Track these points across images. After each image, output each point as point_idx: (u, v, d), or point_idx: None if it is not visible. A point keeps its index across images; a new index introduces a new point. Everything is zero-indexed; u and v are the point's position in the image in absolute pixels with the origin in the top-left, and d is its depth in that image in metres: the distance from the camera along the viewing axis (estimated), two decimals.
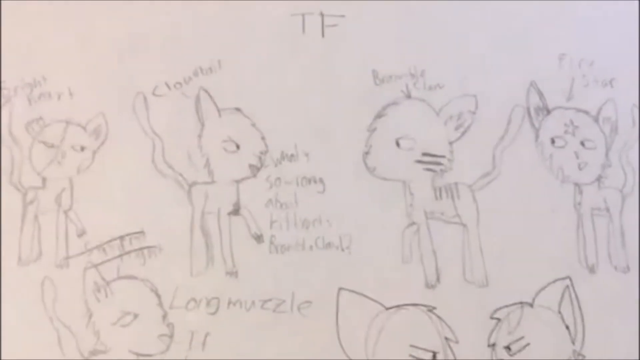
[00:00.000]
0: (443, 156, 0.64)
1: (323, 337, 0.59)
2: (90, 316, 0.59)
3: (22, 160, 0.63)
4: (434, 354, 0.59)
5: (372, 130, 0.64)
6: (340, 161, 0.64)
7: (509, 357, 0.60)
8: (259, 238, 0.62)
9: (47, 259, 0.60)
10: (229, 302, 0.60)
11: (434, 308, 0.60)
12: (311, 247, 0.61)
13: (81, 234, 0.61)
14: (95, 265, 0.60)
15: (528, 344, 0.60)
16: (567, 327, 0.61)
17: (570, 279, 0.62)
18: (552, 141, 0.65)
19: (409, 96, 0.65)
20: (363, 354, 0.59)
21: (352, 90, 0.65)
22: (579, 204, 0.64)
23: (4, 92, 0.65)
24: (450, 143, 0.64)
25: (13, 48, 0.66)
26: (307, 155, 0.64)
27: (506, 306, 0.61)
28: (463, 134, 0.65)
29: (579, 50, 0.67)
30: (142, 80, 0.65)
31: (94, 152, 0.63)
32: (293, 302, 0.60)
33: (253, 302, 0.60)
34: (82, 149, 0.63)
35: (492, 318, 0.60)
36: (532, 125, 0.65)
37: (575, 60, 0.67)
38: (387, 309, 0.60)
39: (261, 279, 0.60)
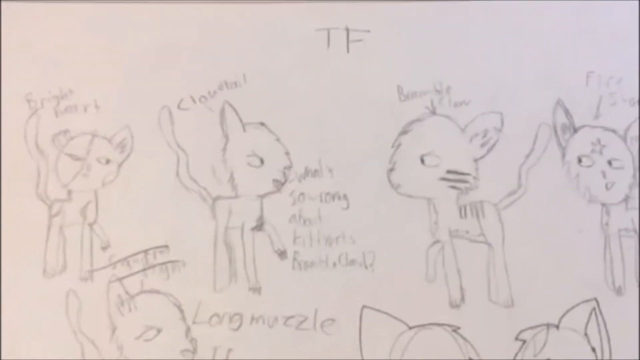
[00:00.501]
0: (468, 174, 0.64)
1: (346, 355, 0.59)
2: (114, 330, 0.59)
3: (48, 173, 0.63)
4: None
5: (396, 146, 0.64)
6: (364, 177, 0.63)
7: None
8: (282, 254, 0.61)
9: (71, 272, 0.60)
10: (252, 318, 0.59)
11: (459, 328, 0.59)
12: (334, 264, 0.61)
13: (105, 247, 0.61)
14: (120, 279, 0.60)
15: None
16: (594, 350, 0.60)
17: (597, 301, 0.61)
18: (579, 160, 0.64)
19: (434, 112, 0.65)
20: None
21: (377, 106, 0.65)
22: (606, 224, 0.63)
23: (31, 104, 0.65)
24: (476, 160, 0.64)
25: (40, 60, 0.66)
26: (331, 171, 0.63)
27: (532, 327, 0.60)
28: (489, 151, 0.64)
29: (606, 67, 0.66)
30: (167, 94, 0.65)
31: (119, 165, 0.63)
32: (316, 319, 0.60)
33: (276, 319, 0.60)
34: (108, 161, 0.63)
35: (517, 339, 0.59)
36: (559, 143, 0.65)
37: (603, 78, 0.66)
38: (411, 328, 0.59)
39: (284, 295, 0.60)
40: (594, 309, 0.60)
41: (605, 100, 0.65)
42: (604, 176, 0.64)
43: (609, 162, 0.64)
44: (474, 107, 0.65)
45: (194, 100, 0.65)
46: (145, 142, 0.64)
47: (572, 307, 0.60)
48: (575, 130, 0.65)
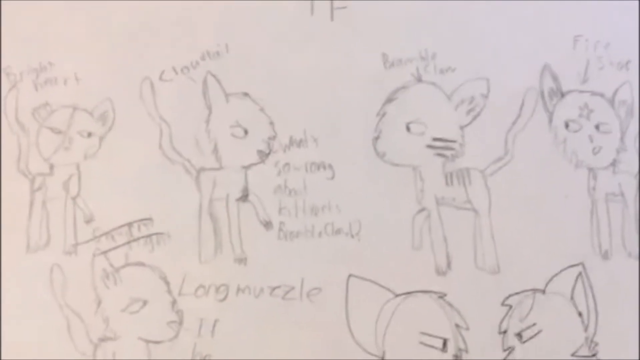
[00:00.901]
0: (454, 141, 0.63)
1: (332, 324, 0.59)
2: (99, 303, 0.58)
3: (29, 147, 0.62)
4: (445, 341, 0.59)
5: (382, 114, 0.63)
6: (349, 146, 0.63)
7: (521, 344, 0.59)
8: (267, 224, 0.61)
9: (55, 246, 0.60)
10: (238, 289, 0.59)
11: (445, 295, 0.59)
12: (320, 233, 0.61)
13: (89, 220, 0.61)
14: (104, 252, 0.59)
15: (540, 331, 0.59)
16: (580, 314, 0.60)
17: (584, 265, 0.61)
18: (566, 125, 0.64)
19: (419, 80, 0.64)
20: (373, 341, 0.59)
21: (362, 74, 0.64)
22: (593, 189, 0.63)
23: (10, 77, 0.64)
24: (462, 127, 0.63)
25: (18, 33, 0.65)
26: (316, 140, 0.63)
27: (518, 293, 0.60)
28: (475, 118, 0.63)
29: (594, 32, 0.65)
30: (149, 65, 0.64)
31: (101, 138, 0.63)
32: (302, 289, 0.60)
33: (262, 289, 0.59)
34: (89, 135, 0.63)
35: (503, 305, 0.59)
36: (546, 109, 0.64)
37: (591, 42, 0.65)
38: (397, 295, 0.59)
39: (270, 266, 0.60)
40: (580, 273, 0.60)
41: (593, 65, 0.65)
42: (591, 141, 0.64)
43: (597, 127, 0.64)
44: (460, 73, 0.64)
45: (175, 71, 0.64)
46: (127, 114, 0.63)
47: (559, 272, 0.60)
48: (563, 95, 0.64)
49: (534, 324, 0.59)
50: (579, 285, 0.60)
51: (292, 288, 0.60)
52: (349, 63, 0.64)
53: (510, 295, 0.60)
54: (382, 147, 0.63)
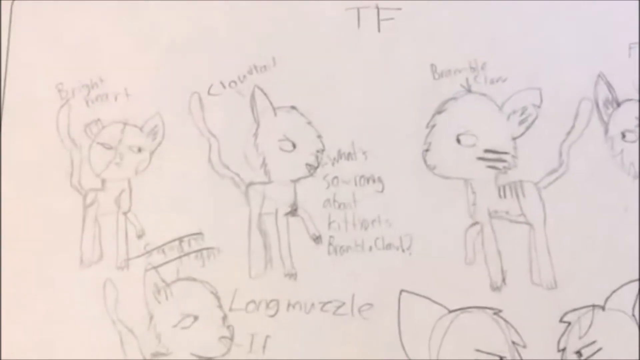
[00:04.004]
0: (507, 152, 0.62)
1: (385, 340, 0.58)
2: (151, 318, 0.59)
3: (81, 162, 0.63)
4: (501, 359, 0.57)
5: (431, 126, 0.62)
6: (399, 159, 0.62)
7: None
8: (317, 239, 0.60)
9: (108, 261, 0.60)
10: (289, 304, 0.59)
11: (500, 311, 0.58)
12: (370, 247, 0.60)
13: (141, 235, 0.61)
14: (155, 267, 0.60)
15: (600, 349, 0.57)
16: None
17: None
18: (623, 135, 0.62)
19: (469, 90, 0.63)
20: (426, 359, 0.57)
21: (410, 86, 0.63)
22: None
23: (62, 94, 0.65)
24: (514, 139, 0.62)
25: (70, 49, 0.66)
26: (364, 153, 0.62)
27: (576, 309, 0.58)
28: (527, 129, 0.62)
29: None
30: (197, 80, 0.65)
31: (151, 153, 0.63)
32: (353, 305, 0.59)
33: (313, 305, 0.59)
34: (140, 150, 0.63)
35: (561, 322, 0.58)
36: (601, 119, 0.62)
37: None
38: (451, 311, 0.58)
39: (320, 281, 0.59)
40: None
41: None
42: None
43: None
44: (511, 83, 0.63)
45: (223, 86, 0.64)
46: (176, 129, 0.64)
47: (619, 288, 0.58)
48: (618, 105, 0.62)
49: (594, 342, 0.57)
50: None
51: (343, 304, 0.59)
52: (397, 75, 0.64)
53: (568, 312, 0.58)
54: (433, 160, 0.62)
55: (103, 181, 0.63)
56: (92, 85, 0.65)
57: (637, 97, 0.62)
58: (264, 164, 0.62)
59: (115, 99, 0.65)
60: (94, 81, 0.65)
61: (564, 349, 0.57)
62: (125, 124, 0.64)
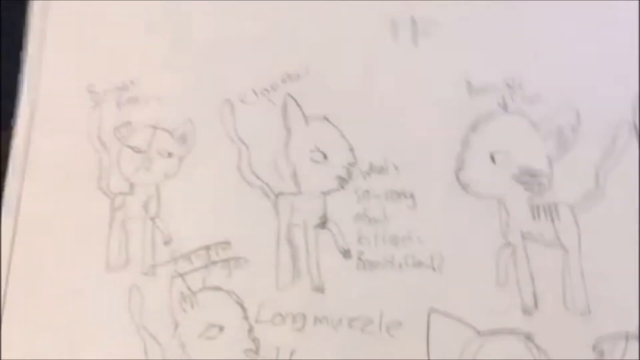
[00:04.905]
0: (542, 174, 0.60)
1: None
2: (176, 326, 0.58)
3: (110, 166, 0.63)
4: None
5: (465, 144, 0.61)
6: (431, 175, 0.61)
7: None
8: (346, 253, 0.59)
9: (134, 266, 0.60)
10: (316, 319, 0.58)
11: (532, 335, 0.57)
12: (400, 265, 0.59)
13: (168, 241, 0.60)
14: (182, 275, 0.59)
15: None
16: None
17: None
18: None
19: (505, 109, 0.62)
20: None
21: (445, 102, 0.62)
22: None
23: (93, 96, 0.65)
24: (550, 160, 0.61)
25: (102, 51, 0.66)
26: (397, 168, 0.61)
27: (610, 336, 0.56)
28: (564, 150, 0.61)
29: None
30: (229, 87, 0.64)
31: (181, 159, 0.62)
32: (381, 322, 0.57)
33: (340, 320, 0.58)
34: (170, 155, 0.62)
35: (594, 349, 0.56)
36: None
37: None
38: (481, 334, 0.57)
39: (349, 296, 0.58)
40: None
41: None
42: None
43: None
44: (548, 103, 0.62)
45: (256, 94, 0.64)
46: (207, 135, 0.63)
47: None
48: None
49: None
50: None
51: (371, 320, 0.58)
52: (432, 89, 0.63)
53: (601, 339, 0.56)
54: (466, 178, 0.61)
55: (131, 185, 0.62)
56: (123, 87, 0.65)
57: None
58: (294, 174, 0.62)
59: (147, 102, 0.64)
60: (126, 84, 0.65)
61: None
62: (155, 128, 0.63)
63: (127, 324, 0.58)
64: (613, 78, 0.62)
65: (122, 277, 0.59)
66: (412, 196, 0.61)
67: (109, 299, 0.59)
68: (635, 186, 0.60)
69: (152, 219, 0.61)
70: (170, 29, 0.66)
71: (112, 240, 0.61)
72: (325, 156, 0.62)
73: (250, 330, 0.58)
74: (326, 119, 0.63)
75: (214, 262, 0.59)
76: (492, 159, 0.61)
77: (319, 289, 0.59)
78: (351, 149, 0.62)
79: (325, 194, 0.61)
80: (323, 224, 0.60)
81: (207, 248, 0.60)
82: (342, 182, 0.61)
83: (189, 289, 0.58)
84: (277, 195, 0.61)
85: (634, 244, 0.58)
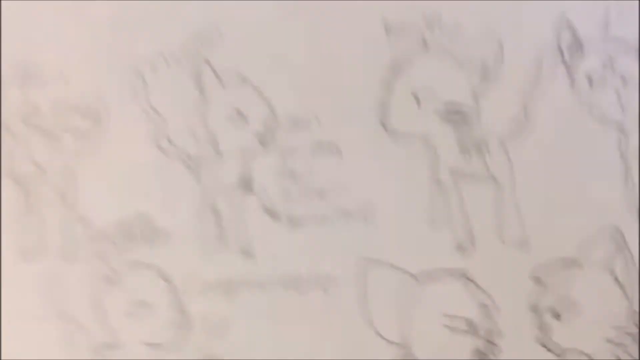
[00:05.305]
0: (468, 107, 0.58)
1: (350, 314, 0.55)
2: (102, 309, 0.56)
3: (18, 150, 0.60)
4: (472, 323, 0.54)
5: (387, 86, 0.59)
6: (355, 122, 0.59)
7: (556, 321, 0.54)
8: (273, 213, 0.57)
9: (51, 253, 0.57)
10: (246, 284, 0.56)
11: (469, 273, 0.55)
12: (330, 218, 0.57)
13: (85, 222, 0.58)
14: (102, 255, 0.56)
15: (576, 306, 0.55)
16: (620, 284, 0.55)
17: (620, 231, 0.56)
18: (590, 81, 0.59)
19: (426, 46, 0.60)
20: (395, 329, 0.55)
21: (363, 44, 0.60)
22: (625, 147, 0.57)
23: None
24: (475, 93, 0.59)
25: (2, 33, 0.63)
26: (318, 120, 0.59)
27: (549, 264, 0.55)
28: (489, 82, 0.59)
29: None
30: (137, 56, 0.61)
31: (93, 136, 0.60)
32: (315, 279, 0.56)
33: (272, 282, 0.56)
34: (80, 133, 0.60)
35: (533, 279, 0.55)
36: (566, 65, 0.59)
37: None
38: (417, 277, 0.55)
39: (279, 257, 0.57)
40: (617, 239, 0.55)
41: (614, 10, 0.59)
42: (619, 95, 0.58)
43: (623, 79, 0.59)
44: (470, 36, 0.59)
45: (166, 60, 0.61)
46: (118, 109, 0.60)
47: (593, 240, 0.55)
48: (583, 49, 0.59)
49: (569, 298, 0.55)
50: (617, 252, 0.55)
51: (304, 279, 0.56)
52: (348, 33, 0.60)
53: (539, 268, 0.55)
54: (391, 121, 0.59)
55: (42, 168, 0.59)
56: (26, 67, 0.62)
57: (602, 36, 0.59)
58: (213, 139, 0.59)
59: (52, 82, 0.61)
60: (28, 64, 0.62)
61: (537, 308, 0.54)
62: (63, 107, 0.60)
63: (50, 313, 0.56)
64: (533, 2, 0.60)
65: (39, 265, 0.57)
66: (336, 146, 0.58)
67: (27, 289, 0.57)
68: (565, 109, 0.58)
69: (67, 200, 0.58)
70: (69, 3, 0.63)
71: (27, 228, 0.58)
72: (243, 116, 0.59)
73: (178, 303, 0.56)
74: (242, 78, 0.60)
75: (136, 238, 0.57)
76: (416, 98, 0.59)
77: (248, 253, 0.57)
78: (270, 106, 0.59)
79: (246, 155, 0.59)
80: (247, 186, 0.58)
81: (128, 224, 0.57)
82: (263, 140, 0.59)
83: (112, 268, 0.56)
84: (196, 163, 0.59)
85: (568, 170, 0.57)
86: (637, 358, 0.55)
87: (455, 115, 0.59)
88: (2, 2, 0.63)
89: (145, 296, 0.56)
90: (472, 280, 0.55)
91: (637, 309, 0.55)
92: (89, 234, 0.58)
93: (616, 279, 0.55)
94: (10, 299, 0.57)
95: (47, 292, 0.56)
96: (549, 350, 0.55)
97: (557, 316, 0.55)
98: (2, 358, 0.56)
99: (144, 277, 0.56)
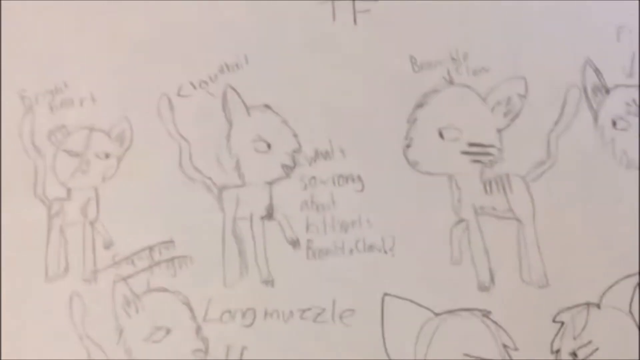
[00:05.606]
0: (492, 145, 0.59)
1: (368, 347, 0.55)
2: (121, 332, 0.56)
3: (45, 171, 0.60)
4: None
5: (412, 121, 0.60)
6: (379, 156, 0.59)
7: None
8: (295, 243, 0.57)
9: (74, 274, 0.58)
10: (266, 313, 0.56)
11: (489, 312, 0.55)
12: (351, 250, 0.57)
13: (108, 245, 0.58)
14: (124, 278, 0.57)
15: (597, 349, 0.54)
16: None
17: None
18: (614, 123, 0.59)
19: (451, 82, 0.60)
20: None
21: (389, 79, 0.60)
22: None
23: (25, 100, 0.62)
24: (499, 131, 0.59)
25: (32, 54, 0.64)
26: (342, 151, 0.59)
27: (570, 308, 0.55)
28: (513, 120, 0.59)
29: (638, 21, 0.60)
30: (165, 81, 0.62)
31: (119, 159, 0.60)
32: (334, 311, 0.56)
33: (291, 312, 0.56)
34: (107, 156, 0.60)
35: (554, 321, 0.55)
36: (590, 107, 0.59)
37: (635, 32, 0.60)
38: (437, 315, 0.55)
39: (299, 287, 0.57)
40: (638, 284, 0.55)
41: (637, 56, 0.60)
42: None
43: None
44: (495, 73, 0.60)
45: (194, 86, 0.62)
46: (145, 133, 0.61)
47: (614, 284, 0.55)
48: (608, 91, 0.59)
49: (590, 342, 0.54)
50: (637, 297, 0.55)
51: (324, 310, 0.56)
52: (375, 68, 0.61)
53: (561, 311, 0.55)
54: (414, 156, 0.59)
55: (69, 190, 0.60)
56: (56, 90, 0.63)
57: (628, 83, 0.59)
58: (237, 166, 0.60)
59: (81, 104, 0.62)
60: (58, 86, 0.63)
61: (558, 351, 0.54)
62: (91, 129, 0.61)
63: (70, 334, 0.56)
64: (559, 43, 0.60)
65: (62, 286, 0.57)
66: (359, 179, 0.59)
67: (49, 309, 0.57)
68: (588, 150, 0.58)
69: (92, 223, 0.59)
70: (99, 27, 0.64)
71: (51, 248, 0.59)
72: (268, 145, 0.60)
73: (199, 329, 0.56)
74: (268, 107, 0.61)
75: (158, 263, 0.57)
76: (441, 134, 0.59)
77: (268, 282, 0.57)
78: (295, 136, 0.60)
79: (270, 183, 0.59)
80: (269, 215, 0.58)
81: (150, 249, 0.58)
82: (288, 170, 0.59)
83: (133, 292, 0.56)
84: (220, 189, 0.59)
85: (590, 211, 0.57)
86: None
87: (479, 153, 0.59)
88: (33, 23, 0.65)
89: (166, 321, 0.56)
90: (492, 320, 0.55)
91: None
92: (111, 256, 0.58)
93: (636, 323, 0.55)
94: (32, 320, 0.57)
95: (68, 313, 0.56)
96: None
97: (576, 358, 0.54)
98: None
99: (165, 302, 0.56)
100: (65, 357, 0.56)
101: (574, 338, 0.54)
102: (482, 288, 0.56)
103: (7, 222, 0.59)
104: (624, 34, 0.60)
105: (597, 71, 0.60)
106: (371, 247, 0.57)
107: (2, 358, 0.56)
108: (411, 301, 0.55)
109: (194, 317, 0.56)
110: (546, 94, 0.59)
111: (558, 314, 0.55)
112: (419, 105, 0.60)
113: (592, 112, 0.59)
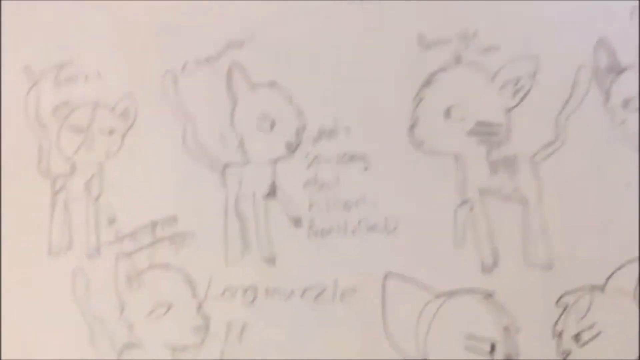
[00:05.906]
0: (499, 125, 0.58)
1: (368, 327, 0.55)
2: (123, 308, 0.56)
3: (50, 147, 0.61)
4: (493, 345, 0.54)
5: (418, 100, 0.59)
6: (384, 135, 0.58)
7: (578, 348, 0.54)
8: (297, 222, 0.57)
9: (77, 249, 0.58)
10: (267, 291, 0.56)
11: (492, 294, 0.54)
12: (354, 230, 0.57)
13: (112, 221, 0.59)
14: (127, 254, 0.57)
15: (600, 333, 0.54)
16: None
17: None
18: (625, 104, 0.57)
19: (459, 61, 0.59)
20: (413, 346, 0.54)
21: (396, 57, 0.59)
22: None
23: (29, 75, 0.62)
24: (508, 111, 0.58)
25: (38, 30, 0.64)
26: (348, 130, 0.59)
27: (574, 291, 0.54)
28: (522, 100, 0.58)
29: None
30: (171, 58, 0.62)
31: (123, 135, 0.60)
32: (335, 290, 0.56)
33: (292, 291, 0.56)
34: (111, 132, 0.60)
35: (558, 304, 0.54)
36: (601, 87, 0.58)
37: None
38: (439, 296, 0.55)
39: (300, 266, 0.57)
40: None
41: None
42: None
43: None
44: (504, 52, 0.59)
45: (199, 63, 0.61)
46: (149, 109, 0.61)
47: (620, 267, 0.54)
48: (620, 72, 0.58)
49: (593, 325, 0.54)
50: None
51: (325, 289, 0.56)
52: (382, 46, 0.60)
53: (565, 294, 0.54)
54: (420, 135, 0.58)
55: (73, 166, 0.60)
56: (61, 66, 0.62)
57: None
58: (241, 143, 0.59)
59: (86, 79, 0.62)
60: (64, 62, 0.63)
61: (560, 333, 0.54)
62: (96, 105, 0.61)
63: (72, 309, 0.57)
64: (571, 22, 0.59)
65: (65, 261, 0.58)
66: (364, 158, 0.58)
67: (52, 284, 0.57)
68: (598, 132, 0.57)
69: (95, 198, 0.59)
70: (107, 4, 0.63)
71: (55, 223, 0.59)
72: (273, 123, 0.60)
73: (200, 306, 0.56)
74: (273, 84, 0.60)
75: (161, 239, 0.57)
76: (447, 114, 0.58)
77: (270, 261, 0.57)
78: (300, 114, 0.59)
79: (274, 162, 0.59)
80: (272, 193, 0.58)
81: (153, 225, 0.58)
82: (291, 148, 0.59)
83: (135, 268, 0.57)
84: (224, 167, 0.59)
85: (597, 194, 0.56)
86: None
87: (486, 133, 0.58)
88: (41, 1, 0.64)
89: (168, 297, 0.56)
90: (495, 301, 0.54)
91: None
92: (114, 232, 0.58)
93: None
94: (35, 294, 0.57)
95: (71, 287, 0.57)
96: None
97: (578, 341, 0.54)
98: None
99: (167, 278, 0.56)
100: (68, 331, 0.56)
101: (577, 321, 0.54)
102: (486, 269, 0.55)
103: (11, 197, 0.60)
104: (636, 14, 0.59)
105: (609, 51, 0.58)
106: (374, 227, 0.57)
107: (3, 331, 0.57)
108: (413, 281, 0.55)
109: (195, 294, 0.56)
110: (557, 73, 0.58)
111: (562, 296, 0.54)
112: (426, 84, 0.59)
113: (603, 93, 0.58)
